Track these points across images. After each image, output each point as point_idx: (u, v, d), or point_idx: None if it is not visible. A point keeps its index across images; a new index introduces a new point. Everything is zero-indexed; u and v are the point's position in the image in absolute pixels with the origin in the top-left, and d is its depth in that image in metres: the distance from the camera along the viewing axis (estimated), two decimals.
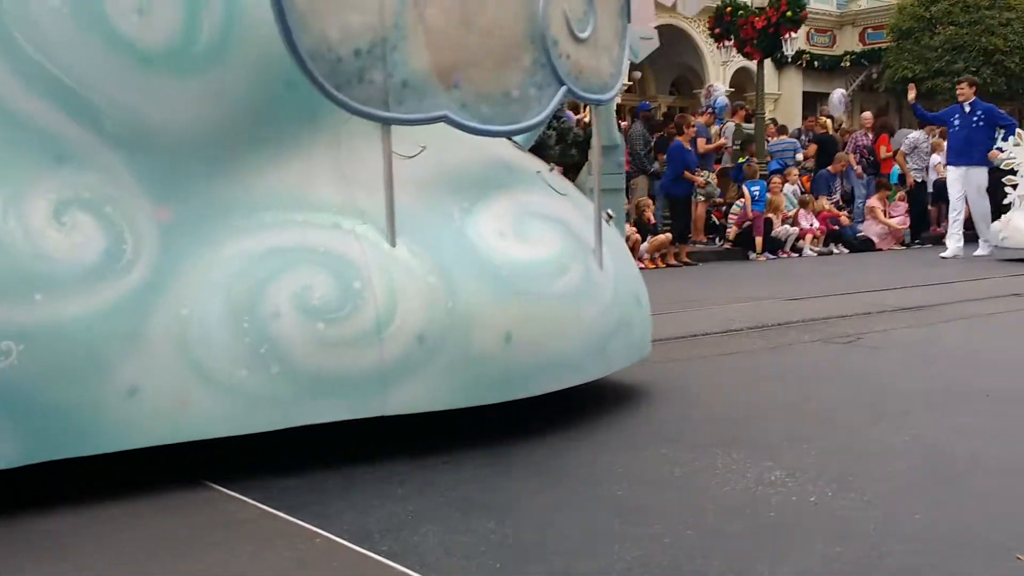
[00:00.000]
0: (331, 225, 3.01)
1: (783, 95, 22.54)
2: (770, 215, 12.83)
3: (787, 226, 13.05)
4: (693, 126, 12.46)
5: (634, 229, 11.31)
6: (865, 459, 2.94)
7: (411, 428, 3.19)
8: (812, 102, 21.73)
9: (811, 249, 13.09)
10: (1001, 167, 10.81)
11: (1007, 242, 10.53)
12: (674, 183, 12.17)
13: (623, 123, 12.98)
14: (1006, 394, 3.85)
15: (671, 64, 22.07)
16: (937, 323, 6.00)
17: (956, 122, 11.25)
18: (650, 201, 11.97)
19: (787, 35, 15.76)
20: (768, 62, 16.70)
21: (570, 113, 9.48)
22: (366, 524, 2.46)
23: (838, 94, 17.80)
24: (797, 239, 13.08)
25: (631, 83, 20.49)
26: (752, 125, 15.23)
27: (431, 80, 2.98)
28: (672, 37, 20.89)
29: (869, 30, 22.72)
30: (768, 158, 14.42)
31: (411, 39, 2.92)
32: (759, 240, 12.49)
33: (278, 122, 3.12)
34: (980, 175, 11.16)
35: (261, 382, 2.77)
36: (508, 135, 3.33)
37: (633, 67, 20.59)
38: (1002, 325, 5.96)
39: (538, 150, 8.67)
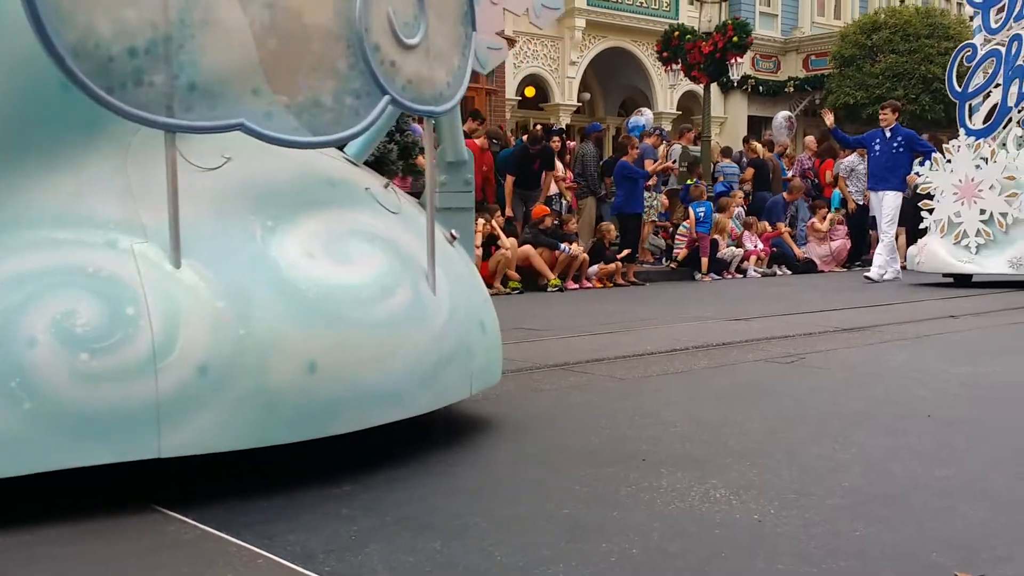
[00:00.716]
0: (105, 244, 2.71)
1: (729, 118, 22.92)
2: (716, 236, 13.00)
3: (732, 247, 13.24)
4: (637, 148, 12.59)
5: (580, 248, 11.39)
6: (808, 477, 2.98)
7: (358, 445, 3.16)
8: (757, 126, 22.12)
9: (755, 270, 13.30)
10: (918, 192, 11.04)
11: (922, 266, 10.61)
12: (626, 202, 12.29)
13: (572, 143, 13.07)
14: (947, 414, 3.92)
15: (620, 86, 22.33)
16: (878, 343, 6.12)
17: (877, 147, 11.41)
18: (612, 226, 12.08)
19: (733, 60, 16.07)
20: (714, 86, 16.99)
21: (416, 126, 9.44)
22: (310, 544, 2.43)
23: (781, 117, 18.05)
24: (742, 260, 13.27)
25: (580, 104, 20.67)
26: (699, 147, 15.45)
27: (227, 84, 2.66)
28: (621, 59, 21.14)
29: (812, 57, 23.22)
30: (703, 183, 14.66)
31: (201, 37, 2.61)
32: (705, 261, 12.64)
33: (52, 129, 2.82)
34: (895, 200, 11.31)
35: (9, 419, 2.46)
36: (317, 147, 3.00)
37: (582, 88, 20.80)
38: (941, 346, 6.09)
39: (378, 165, 8.62)
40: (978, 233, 10.05)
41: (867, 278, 11.34)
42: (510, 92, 18.98)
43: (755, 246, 13.45)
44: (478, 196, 11.41)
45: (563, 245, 11.13)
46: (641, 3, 20.57)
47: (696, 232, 12.79)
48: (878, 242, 11.87)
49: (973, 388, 4.50)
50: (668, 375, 4.92)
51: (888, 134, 11.29)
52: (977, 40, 10.60)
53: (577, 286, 11.29)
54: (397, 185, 4.05)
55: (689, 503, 2.73)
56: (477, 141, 11.86)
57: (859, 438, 3.49)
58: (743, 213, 13.93)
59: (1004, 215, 9.87)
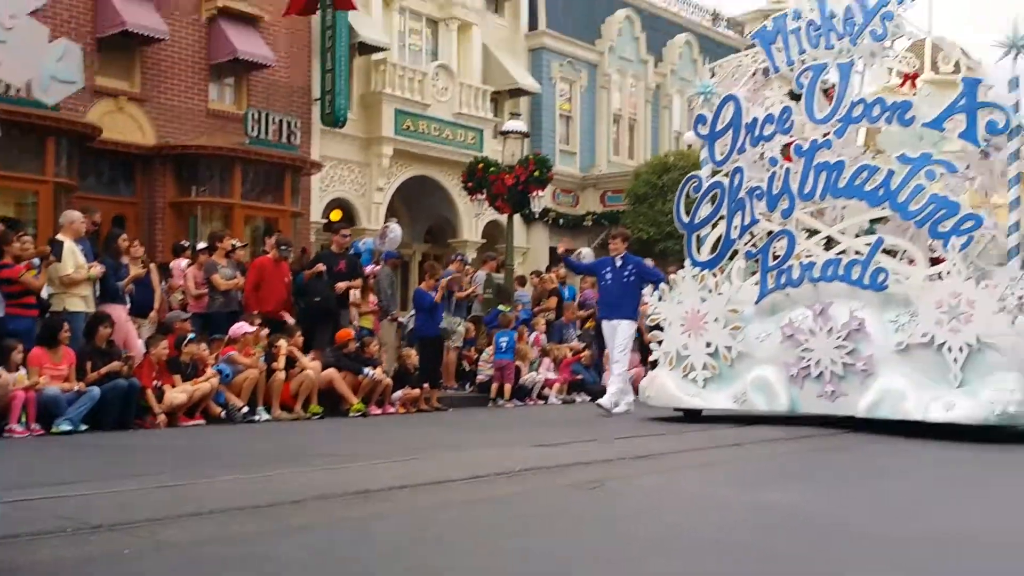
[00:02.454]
0: None
1: (531, 248, 23.65)
2: (519, 363, 13.21)
3: (534, 374, 13.48)
4: (439, 275, 12.74)
5: (382, 372, 11.29)
6: None
7: None
8: (558, 256, 22.88)
9: (556, 397, 13.55)
10: (647, 323, 10.68)
11: (652, 400, 9.98)
12: (424, 326, 12.34)
13: (372, 268, 13.07)
14: (736, 540, 4.06)
15: (427, 213, 22.72)
16: (672, 470, 6.31)
17: (608, 276, 10.98)
18: (412, 351, 12.04)
19: (534, 193, 16.74)
20: (517, 217, 17.57)
21: None
22: None
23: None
24: (543, 387, 13.51)
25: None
26: (502, 275, 15.82)
27: None
28: (428, 187, 21.59)
29: (609, 193, 24.47)
30: (519, 307, 14.95)
31: None
32: (507, 387, 12.79)
33: None
34: (629, 329, 10.83)
35: None
36: None
37: (389, 213, 21.01)
38: (731, 473, 6.35)
39: None
40: (704, 367, 9.52)
41: (599, 406, 10.75)
42: (315, 215, 18.93)
43: (555, 373, 13.76)
44: (276, 314, 11.17)
45: (366, 369, 11.00)
46: (447, 135, 21.22)
47: (497, 359, 12.97)
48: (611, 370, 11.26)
49: (758, 515, 4.69)
50: (470, 503, 4.87)
51: (619, 262, 10.89)
52: (704, 172, 10.13)
53: (380, 411, 11.13)
54: None
55: None
56: (269, 254, 11.70)
57: (651, 566, 3.55)
58: (544, 340, 14.27)
59: (728, 348, 9.41)
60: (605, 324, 11.15)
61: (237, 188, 16.85)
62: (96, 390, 8.59)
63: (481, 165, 17.40)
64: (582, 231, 23.92)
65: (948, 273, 8.24)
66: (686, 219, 10.11)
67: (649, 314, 10.27)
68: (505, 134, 16.90)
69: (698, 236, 10.04)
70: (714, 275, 9.69)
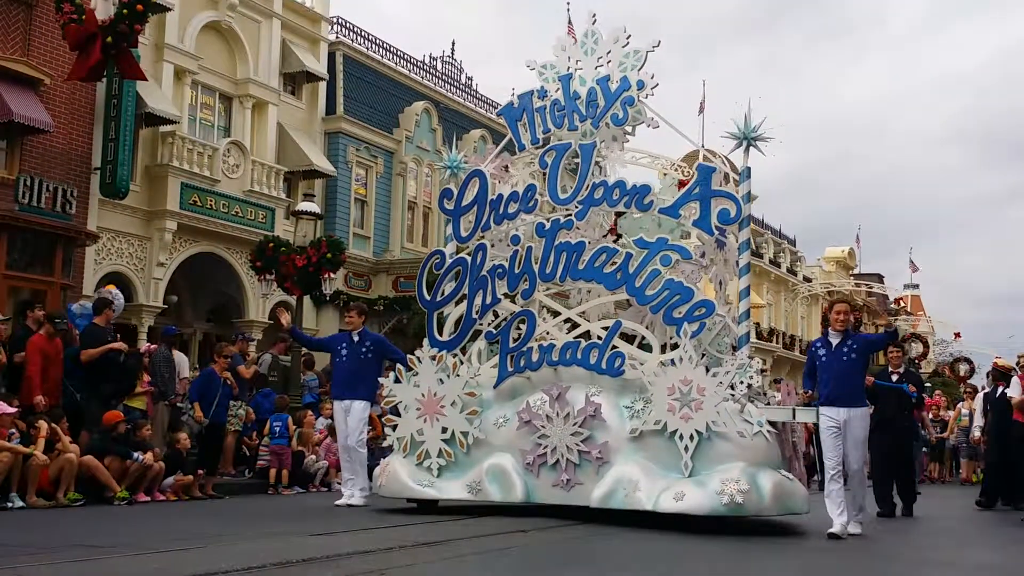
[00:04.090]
0: None
1: (320, 331, 23.24)
2: (302, 448, 12.85)
3: (313, 458, 13.13)
4: (227, 356, 12.28)
5: (154, 457, 10.66)
6: None
7: None
8: (282, 328, 22.45)
9: (338, 483, 13.20)
10: (383, 405, 9.97)
11: (383, 490, 9.31)
12: (215, 413, 11.86)
13: (149, 346, 12.44)
14: None
15: (211, 291, 21.93)
16: (454, 557, 6.25)
17: (344, 352, 10.25)
18: (185, 435, 11.46)
19: (326, 275, 16.51)
20: (307, 299, 17.23)
21: None
22: None
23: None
24: (326, 472, 13.17)
25: (167, 307, 19.95)
26: (289, 357, 15.43)
27: None
28: (214, 265, 20.89)
29: (402, 279, 24.50)
30: (303, 391, 14.60)
31: None
32: (285, 473, 12.39)
33: None
34: (362, 411, 10.16)
35: None
36: None
37: (170, 290, 20.15)
38: (518, 559, 6.36)
39: None
40: (440, 453, 8.98)
41: (337, 505, 10.01)
42: (88, 288, 17.84)
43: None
44: (39, 389, 10.38)
45: (135, 454, 10.34)
46: (237, 212, 20.69)
47: (273, 444, 12.57)
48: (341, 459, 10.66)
49: None
50: None
51: (356, 338, 10.24)
52: (448, 248, 9.78)
53: (149, 498, 10.46)
54: None
55: None
56: (41, 331, 10.89)
57: None
58: (329, 423, 13.95)
59: (465, 434, 8.90)
60: (337, 406, 10.35)
61: (2, 256, 15.69)
62: None
63: (271, 244, 17.02)
64: (374, 316, 23.76)
65: (680, 360, 8.15)
66: (427, 296, 9.68)
67: (385, 396, 9.54)
68: (298, 215, 16.66)
69: (440, 314, 9.64)
70: (454, 355, 9.23)
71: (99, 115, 18.11)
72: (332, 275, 16.90)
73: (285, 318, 10.96)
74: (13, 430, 9.53)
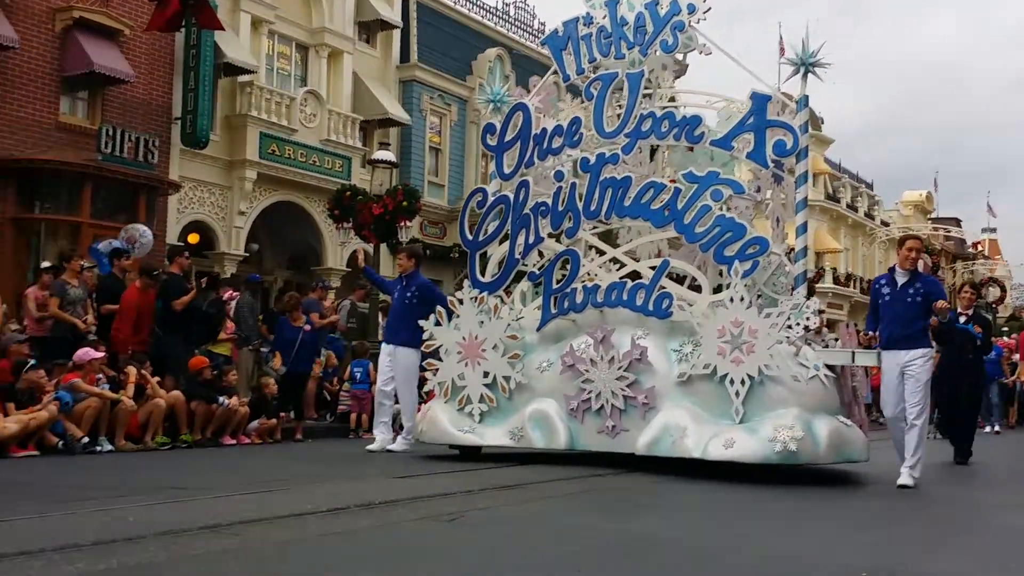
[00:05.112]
0: None
1: None
2: None
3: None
4: (300, 307, 12.51)
5: (238, 401, 10.87)
6: None
7: None
8: (358, 267, 22.54)
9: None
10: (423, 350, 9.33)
11: (425, 436, 8.97)
12: (295, 362, 12.09)
13: (227, 293, 12.60)
14: (601, 571, 3.99)
15: (290, 239, 22.20)
16: (535, 500, 6.23)
17: (396, 295, 9.87)
18: (271, 380, 11.67)
19: (402, 223, 16.51)
20: (383, 246, 17.30)
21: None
22: None
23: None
24: None
25: (247, 254, 20.25)
26: (367, 304, 15.54)
27: None
28: (293, 213, 21.11)
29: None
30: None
31: None
32: (364, 417, 12.55)
33: None
34: (408, 357, 9.63)
35: None
36: None
37: (251, 239, 20.45)
38: (590, 501, 6.31)
39: None
40: (481, 399, 8.56)
41: (371, 451, 9.61)
42: (171, 237, 18.19)
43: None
44: (130, 342, 10.61)
45: (221, 398, 10.55)
46: (314, 161, 20.82)
47: (353, 389, 12.73)
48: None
49: (625, 541, 4.64)
50: (328, 535, 4.65)
51: (404, 282, 9.78)
52: (491, 186, 9.32)
53: (235, 442, 10.68)
54: None
55: None
56: (137, 283, 11.10)
57: None
58: None
59: (507, 379, 8.46)
60: (384, 348, 9.89)
61: (86, 206, 16.05)
62: None
63: (348, 193, 17.10)
64: (449, 263, 23.83)
65: (731, 300, 7.63)
66: (470, 236, 9.24)
67: (425, 340, 9.08)
68: (374, 163, 16.66)
69: (483, 255, 9.16)
70: (497, 297, 8.79)
71: (178, 65, 18.32)
72: (408, 223, 16.91)
73: (361, 256, 10.76)
74: (100, 375, 9.77)
